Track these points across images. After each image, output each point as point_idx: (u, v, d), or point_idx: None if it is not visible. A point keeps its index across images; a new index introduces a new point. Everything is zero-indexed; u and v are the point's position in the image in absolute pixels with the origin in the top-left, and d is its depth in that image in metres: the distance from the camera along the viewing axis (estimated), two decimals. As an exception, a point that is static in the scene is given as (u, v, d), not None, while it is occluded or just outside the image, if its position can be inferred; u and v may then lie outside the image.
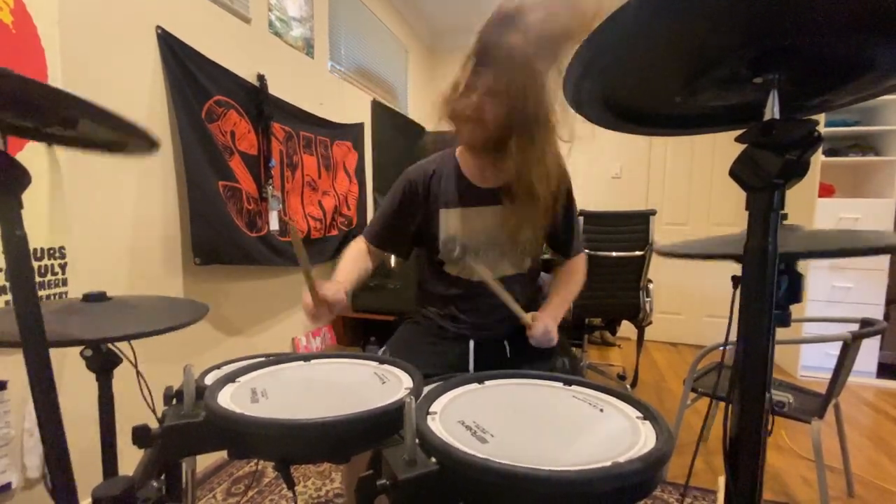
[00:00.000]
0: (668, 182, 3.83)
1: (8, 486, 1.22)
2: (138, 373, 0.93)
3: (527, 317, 1.06)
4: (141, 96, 1.61)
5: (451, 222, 1.15)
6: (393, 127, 3.45)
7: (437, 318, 1.18)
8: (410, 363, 0.81)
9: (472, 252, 1.12)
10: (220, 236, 1.86)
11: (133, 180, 1.58)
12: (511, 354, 1.15)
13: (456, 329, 1.15)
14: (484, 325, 1.14)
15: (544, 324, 1.04)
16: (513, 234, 1.11)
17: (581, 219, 2.52)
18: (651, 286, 2.59)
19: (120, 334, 0.79)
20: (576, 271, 1.24)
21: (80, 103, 0.52)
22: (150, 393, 0.96)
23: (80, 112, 0.56)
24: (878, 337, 2.87)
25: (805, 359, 3.04)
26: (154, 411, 0.87)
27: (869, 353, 2.87)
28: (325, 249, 2.66)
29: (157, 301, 1.02)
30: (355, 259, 1.17)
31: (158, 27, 1.63)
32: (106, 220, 1.49)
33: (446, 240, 1.14)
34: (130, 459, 0.79)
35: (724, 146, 3.65)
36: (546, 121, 0.99)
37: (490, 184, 1.13)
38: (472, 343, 1.14)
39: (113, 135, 0.66)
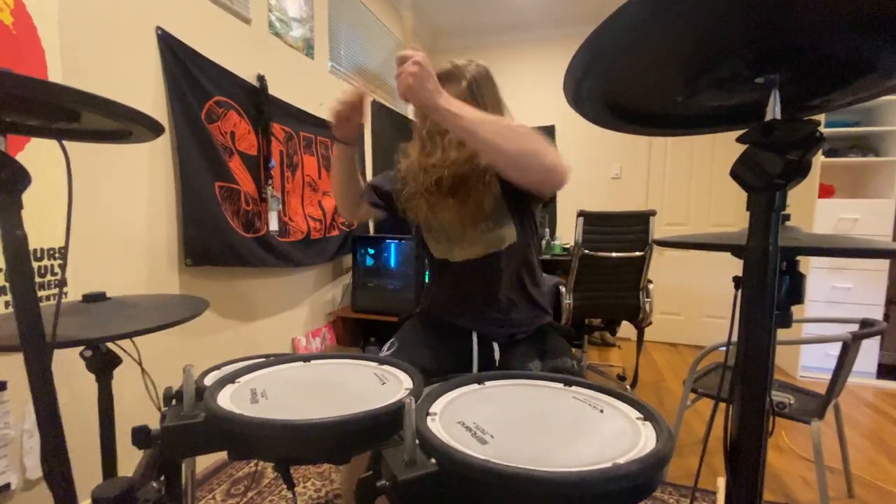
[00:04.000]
0: (668, 183, 3.82)
1: (7, 486, 1.22)
2: (143, 370, 0.93)
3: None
4: (141, 97, 1.61)
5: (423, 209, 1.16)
6: (393, 127, 3.45)
7: (438, 311, 1.21)
8: (416, 358, 0.81)
9: (445, 235, 1.16)
10: (212, 237, 1.85)
11: (134, 181, 1.58)
12: (500, 357, 1.14)
13: (452, 320, 1.16)
14: (479, 311, 1.16)
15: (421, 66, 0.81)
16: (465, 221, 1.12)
17: (582, 219, 2.53)
18: (651, 287, 2.59)
19: (121, 332, 0.79)
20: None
21: (79, 95, 0.52)
22: (154, 390, 0.95)
23: (81, 104, 0.56)
24: (878, 337, 2.87)
25: (805, 359, 3.04)
26: (160, 409, 0.86)
27: (869, 353, 2.87)
28: (326, 250, 2.66)
29: (156, 299, 1.02)
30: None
31: (158, 28, 1.63)
32: (106, 220, 1.49)
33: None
34: (130, 460, 0.79)
35: (724, 146, 3.65)
36: None
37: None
38: (475, 336, 1.14)
39: (116, 124, 0.66)
